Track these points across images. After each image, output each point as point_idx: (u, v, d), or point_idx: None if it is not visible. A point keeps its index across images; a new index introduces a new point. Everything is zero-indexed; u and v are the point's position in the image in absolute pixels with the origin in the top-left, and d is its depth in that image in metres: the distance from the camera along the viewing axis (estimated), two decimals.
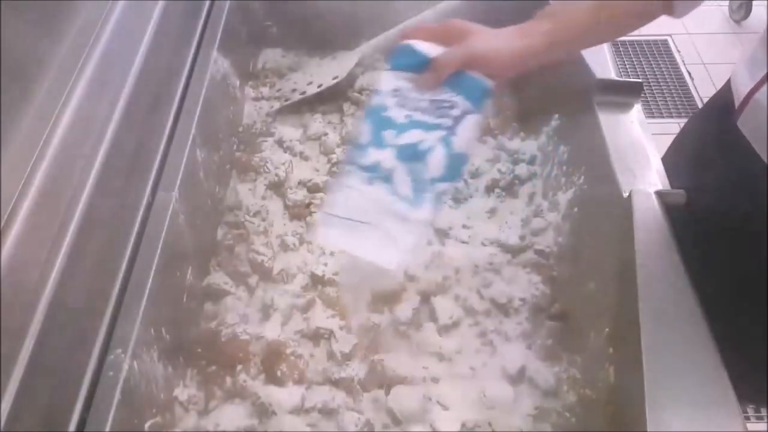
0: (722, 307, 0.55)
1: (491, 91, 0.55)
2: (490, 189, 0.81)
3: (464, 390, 0.64)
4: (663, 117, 1.97)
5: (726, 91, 0.68)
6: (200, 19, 0.81)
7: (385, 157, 0.54)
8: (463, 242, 0.76)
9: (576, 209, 0.71)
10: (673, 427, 0.45)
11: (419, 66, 0.55)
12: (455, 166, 0.55)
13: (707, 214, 0.65)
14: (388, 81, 0.56)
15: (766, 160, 0.59)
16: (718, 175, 0.68)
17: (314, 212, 0.78)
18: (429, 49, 0.56)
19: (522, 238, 0.75)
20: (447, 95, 0.55)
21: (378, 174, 0.54)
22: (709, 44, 2.19)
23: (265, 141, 0.86)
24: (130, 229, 0.58)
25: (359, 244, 0.54)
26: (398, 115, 0.55)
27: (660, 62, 2.14)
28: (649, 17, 0.59)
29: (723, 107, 0.67)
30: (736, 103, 0.63)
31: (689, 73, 2.10)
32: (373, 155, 0.55)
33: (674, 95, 2.04)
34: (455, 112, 0.54)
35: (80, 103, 0.54)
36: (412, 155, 0.54)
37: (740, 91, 0.63)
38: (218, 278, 0.70)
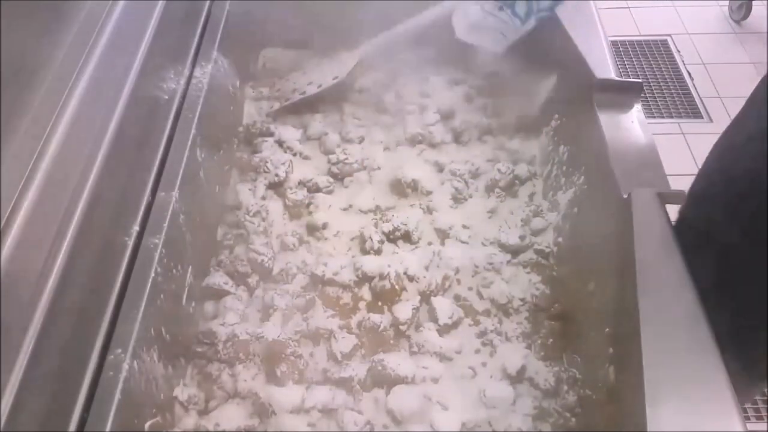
0: (722, 307, 0.55)
1: None
2: (490, 189, 0.81)
3: (464, 390, 0.64)
4: (663, 117, 1.97)
5: None
6: (200, 19, 0.81)
7: None
8: (463, 242, 0.76)
9: (576, 209, 0.71)
10: (673, 427, 0.45)
11: None
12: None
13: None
14: None
15: None
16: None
17: (314, 212, 0.78)
18: None
19: (522, 238, 0.75)
20: None
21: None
22: (709, 44, 2.19)
23: (265, 141, 0.86)
24: (130, 230, 0.58)
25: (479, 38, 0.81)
26: None
27: (660, 62, 2.13)
28: None
29: None
30: None
31: (689, 73, 2.10)
32: None
33: (674, 95, 2.03)
34: None
35: (80, 103, 0.54)
36: None
37: None
38: (218, 278, 0.70)
